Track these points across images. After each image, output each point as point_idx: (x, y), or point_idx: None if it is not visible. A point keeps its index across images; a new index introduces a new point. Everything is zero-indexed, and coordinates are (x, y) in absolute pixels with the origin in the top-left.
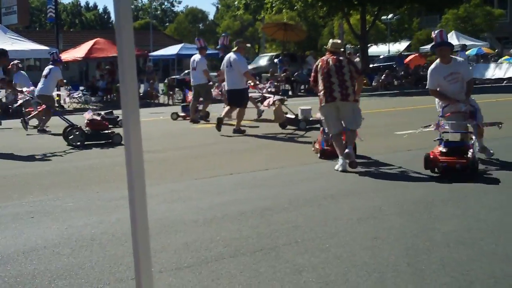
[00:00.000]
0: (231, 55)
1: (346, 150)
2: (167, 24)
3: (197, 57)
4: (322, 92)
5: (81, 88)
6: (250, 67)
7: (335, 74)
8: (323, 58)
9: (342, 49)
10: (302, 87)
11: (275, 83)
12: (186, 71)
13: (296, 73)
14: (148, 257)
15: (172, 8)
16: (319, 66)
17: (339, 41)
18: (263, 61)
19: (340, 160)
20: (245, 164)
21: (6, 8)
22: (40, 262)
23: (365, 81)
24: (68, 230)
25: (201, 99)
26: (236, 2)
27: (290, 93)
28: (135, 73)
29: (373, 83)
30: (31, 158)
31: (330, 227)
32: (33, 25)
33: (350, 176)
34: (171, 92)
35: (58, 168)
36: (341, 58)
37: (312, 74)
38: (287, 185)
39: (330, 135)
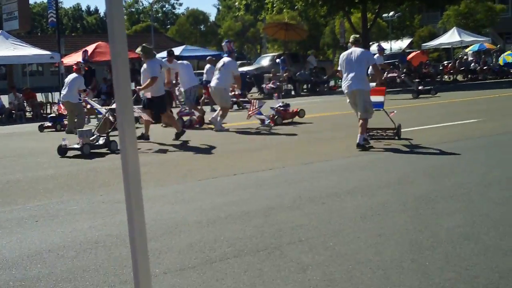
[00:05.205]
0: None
1: None
2: (169, 26)
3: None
4: None
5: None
6: (252, 67)
7: None
8: None
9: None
10: (305, 86)
11: (277, 83)
12: None
13: (298, 73)
14: (146, 258)
15: (173, 10)
16: None
17: None
18: (265, 61)
19: None
20: (248, 165)
21: (7, 14)
22: (44, 266)
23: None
24: (73, 233)
25: None
26: (236, 3)
27: (292, 93)
28: (128, 75)
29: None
30: (34, 162)
31: (334, 225)
32: (34, 30)
33: (353, 173)
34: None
35: (61, 172)
36: None
37: None
38: (290, 184)
39: None
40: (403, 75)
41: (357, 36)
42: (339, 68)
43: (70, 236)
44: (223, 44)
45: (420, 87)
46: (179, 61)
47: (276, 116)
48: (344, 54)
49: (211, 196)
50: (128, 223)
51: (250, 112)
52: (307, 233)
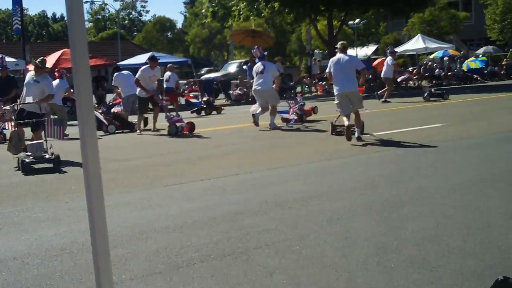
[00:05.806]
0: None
1: None
2: (135, 33)
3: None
4: None
5: None
6: (219, 74)
7: None
8: None
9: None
10: None
11: (244, 89)
12: None
13: None
14: (108, 264)
15: (140, 18)
16: None
17: None
18: (232, 68)
19: None
20: (215, 170)
21: None
22: (9, 274)
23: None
24: (38, 240)
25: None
26: (203, 10)
27: None
28: (90, 82)
29: None
30: None
31: (301, 229)
32: None
33: (320, 178)
34: None
35: (25, 180)
36: None
37: None
38: (257, 189)
39: None
40: (415, 77)
41: (344, 42)
42: (327, 71)
43: (35, 244)
44: (253, 51)
45: (432, 90)
46: (121, 72)
47: (302, 115)
48: (333, 59)
49: (178, 202)
50: (90, 229)
51: (291, 109)
52: (273, 238)
